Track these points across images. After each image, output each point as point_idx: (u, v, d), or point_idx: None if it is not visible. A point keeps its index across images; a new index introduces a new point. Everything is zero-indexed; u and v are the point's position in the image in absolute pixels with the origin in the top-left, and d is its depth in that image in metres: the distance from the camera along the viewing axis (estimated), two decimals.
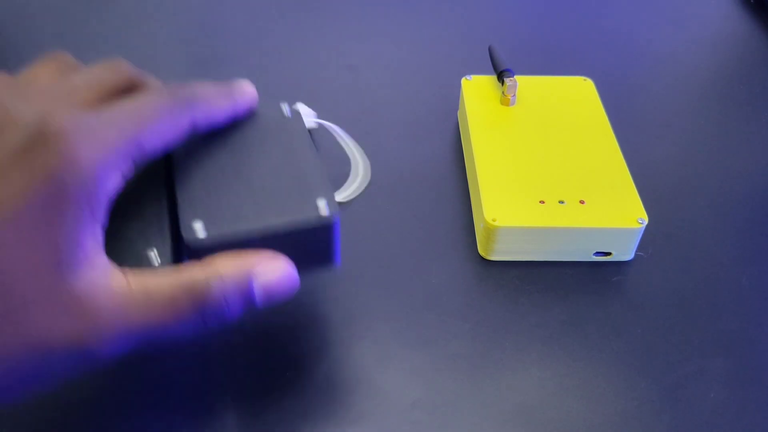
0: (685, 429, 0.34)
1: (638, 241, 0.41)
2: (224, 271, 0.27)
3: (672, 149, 0.50)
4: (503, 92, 0.48)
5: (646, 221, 0.40)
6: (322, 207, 0.29)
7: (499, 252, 0.41)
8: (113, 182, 0.25)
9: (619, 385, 0.36)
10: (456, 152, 0.49)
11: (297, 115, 0.33)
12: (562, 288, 0.41)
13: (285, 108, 0.34)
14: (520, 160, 0.44)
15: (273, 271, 0.28)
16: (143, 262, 0.27)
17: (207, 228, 0.27)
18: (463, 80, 0.50)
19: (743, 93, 0.56)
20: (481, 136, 0.46)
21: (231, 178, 0.30)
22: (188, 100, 0.29)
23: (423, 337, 0.38)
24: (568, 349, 0.38)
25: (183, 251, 0.28)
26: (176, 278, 0.26)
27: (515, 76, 0.48)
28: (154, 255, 0.28)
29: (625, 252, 0.42)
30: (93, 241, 0.25)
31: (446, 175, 0.47)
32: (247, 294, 0.27)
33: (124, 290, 0.25)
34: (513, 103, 0.48)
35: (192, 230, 0.27)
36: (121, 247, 0.27)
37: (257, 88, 0.55)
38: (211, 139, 0.31)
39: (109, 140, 0.25)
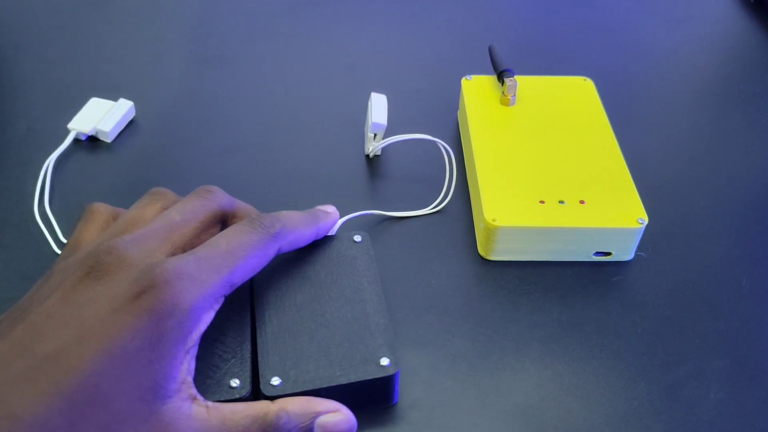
0: (684, 429, 0.34)
1: (638, 241, 0.41)
2: (292, 409, 0.30)
3: (672, 149, 0.50)
4: (503, 92, 0.48)
5: (646, 221, 0.40)
6: (385, 364, 0.32)
7: (499, 252, 0.41)
8: (207, 319, 0.29)
9: (618, 385, 0.36)
10: (456, 152, 0.49)
11: (366, 240, 0.38)
12: (561, 288, 0.41)
13: (357, 236, 0.38)
14: (520, 160, 0.44)
15: (334, 418, 0.31)
16: (225, 389, 0.31)
17: (283, 383, 0.31)
18: (463, 80, 0.50)
19: (743, 93, 0.56)
20: (481, 136, 0.46)
21: (305, 325, 0.34)
22: (277, 234, 0.33)
23: (423, 337, 0.38)
24: (568, 349, 0.38)
25: (260, 390, 0.32)
26: (250, 411, 0.30)
27: (515, 76, 0.48)
28: (236, 385, 0.31)
29: (625, 252, 0.42)
30: (185, 373, 0.29)
31: (442, 180, 0.47)
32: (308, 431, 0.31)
33: (204, 419, 0.29)
34: (513, 103, 0.48)
35: (270, 385, 0.31)
36: (206, 373, 0.31)
37: (257, 88, 0.55)
38: (289, 262, 0.36)
39: (206, 284, 0.29)
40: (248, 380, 0.31)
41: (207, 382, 0.31)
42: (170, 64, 0.57)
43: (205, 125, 0.51)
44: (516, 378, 0.36)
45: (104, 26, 0.61)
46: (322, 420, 0.31)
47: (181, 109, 0.52)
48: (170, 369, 0.28)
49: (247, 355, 0.32)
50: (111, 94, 0.51)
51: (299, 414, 0.31)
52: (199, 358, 0.31)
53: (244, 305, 0.34)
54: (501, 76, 0.48)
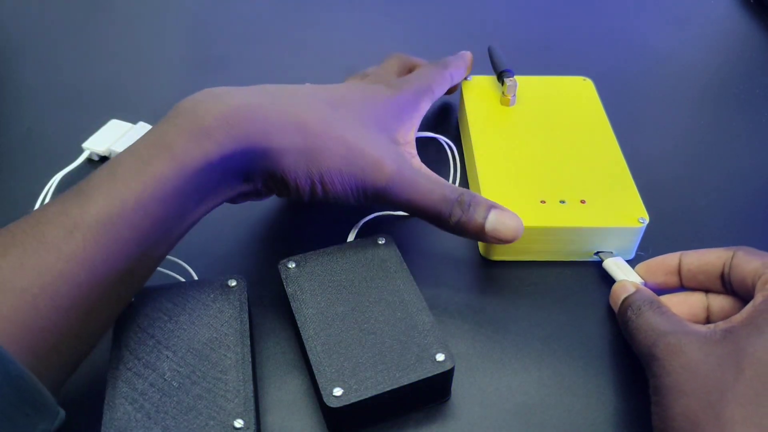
0: None
1: (639, 240, 0.41)
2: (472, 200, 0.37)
3: (672, 149, 0.50)
4: (503, 92, 0.48)
5: (647, 220, 0.40)
6: (441, 360, 0.33)
7: (499, 252, 0.41)
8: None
9: (619, 384, 0.36)
10: (456, 152, 0.49)
11: (390, 241, 0.39)
12: (562, 288, 0.41)
13: (381, 239, 0.39)
14: (521, 160, 0.44)
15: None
16: (230, 430, 0.31)
17: (345, 392, 0.32)
18: (463, 80, 0.50)
19: (743, 92, 0.56)
20: (481, 137, 0.46)
21: (353, 334, 0.34)
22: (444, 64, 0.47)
23: None
24: (568, 349, 0.38)
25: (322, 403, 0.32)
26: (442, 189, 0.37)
27: (515, 76, 0.48)
28: (240, 425, 0.31)
29: (626, 251, 0.42)
30: (408, 139, 0.42)
31: (447, 175, 0.47)
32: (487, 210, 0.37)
33: (420, 166, 0.41)
34: (513, 103, 0.48)
35: (333, 397, 0.32)
36: (209, 414, 0.31)
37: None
38: (321, 275, 0.37)
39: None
40: (252, 420, 0.31)
41: (210, 423, 0.31)
42: (173, 66, 0.57)
43: None
44: (517, 377, 0.36)
45: (106, 28, 0.61)
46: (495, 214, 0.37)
47: None
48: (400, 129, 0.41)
49: (250, 394, 0.32)
50: (131, 116, 0.50)
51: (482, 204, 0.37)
52: (201, 398, 0.31)
53: (244, 343, 0.34)
54: (501, 76, 0.48)
